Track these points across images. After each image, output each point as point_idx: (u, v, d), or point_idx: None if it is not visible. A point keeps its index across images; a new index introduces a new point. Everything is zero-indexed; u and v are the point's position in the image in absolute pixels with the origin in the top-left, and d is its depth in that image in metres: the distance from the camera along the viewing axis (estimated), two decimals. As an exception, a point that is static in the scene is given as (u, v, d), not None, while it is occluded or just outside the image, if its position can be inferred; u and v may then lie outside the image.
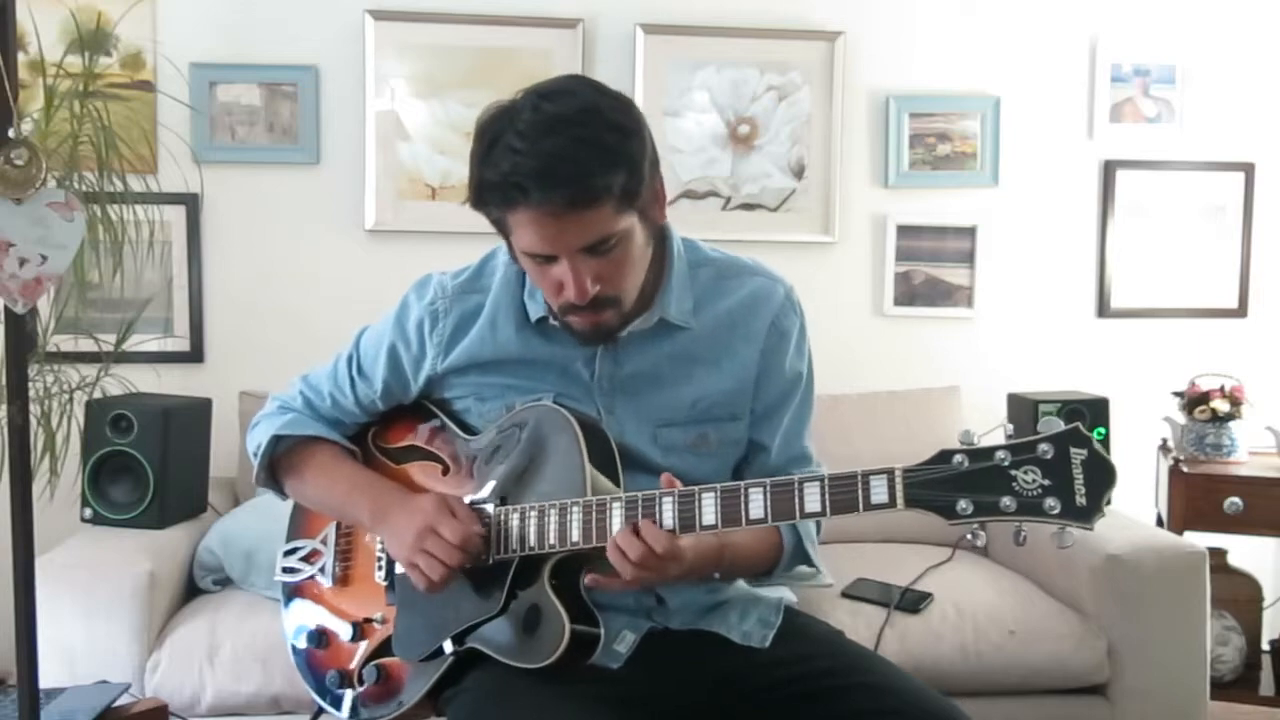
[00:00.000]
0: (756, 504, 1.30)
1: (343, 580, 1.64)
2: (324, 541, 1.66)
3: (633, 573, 1.34)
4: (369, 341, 1.63)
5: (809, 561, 1.58)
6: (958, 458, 1.21)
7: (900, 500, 1.22)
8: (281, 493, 1.68)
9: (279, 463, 1.64)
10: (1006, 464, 1.19)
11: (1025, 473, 1.18)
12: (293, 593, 1.69)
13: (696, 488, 1.33)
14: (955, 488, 1.20)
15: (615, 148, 1.33)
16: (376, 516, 1.54)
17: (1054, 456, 1.18)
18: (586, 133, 1.31)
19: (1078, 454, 1.17)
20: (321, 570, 1.65)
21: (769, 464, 1.57)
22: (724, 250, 1.61)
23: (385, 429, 1.66)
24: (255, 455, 1.64)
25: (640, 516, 1.33)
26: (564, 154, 1.30)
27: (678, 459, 1.52)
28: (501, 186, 1.33)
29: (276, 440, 1.62)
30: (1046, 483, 1.18)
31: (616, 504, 1.35)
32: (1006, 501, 1.18)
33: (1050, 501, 1.17)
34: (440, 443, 1.59)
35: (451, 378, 1.57)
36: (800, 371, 1.59)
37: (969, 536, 1.24)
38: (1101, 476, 1.17)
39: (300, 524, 1.71)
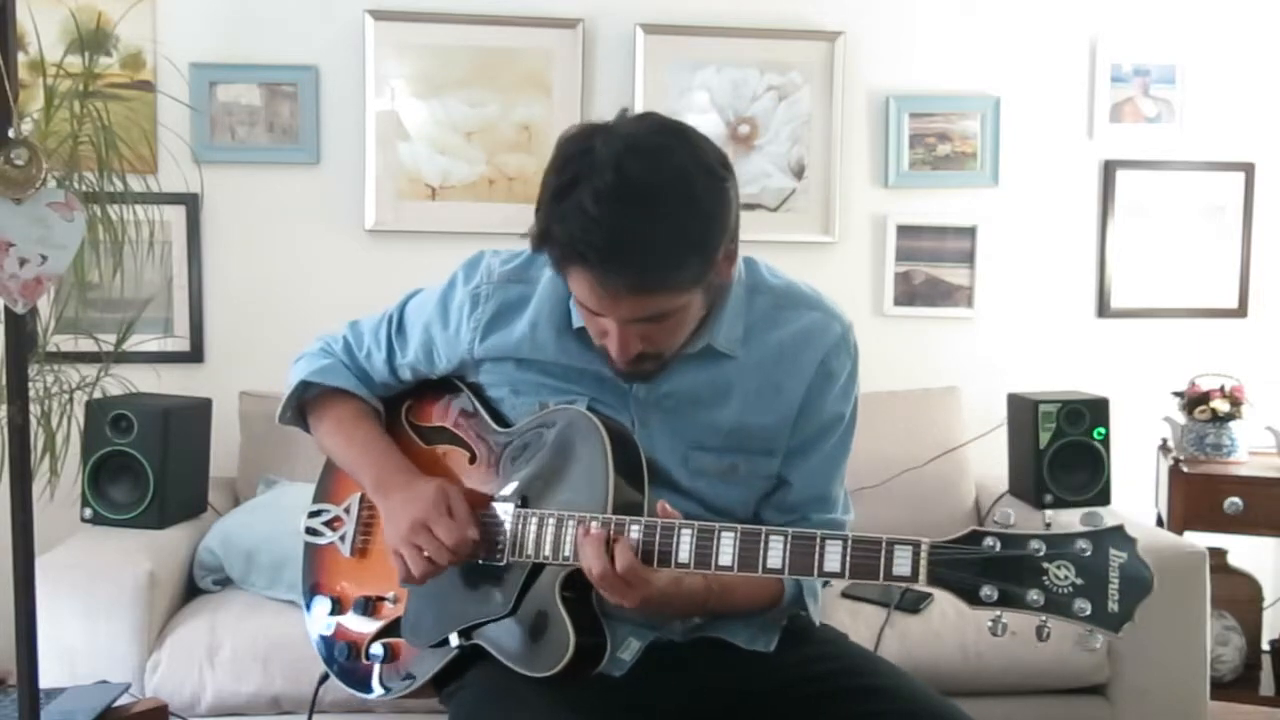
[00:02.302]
0: (775, 553, 1.25)
1: (361, 552, 1.62)
2: (347, 510, 1.65)
3: (596, 585, 1.32)
4: (414, 309, 1.61)
5: (805, 611, 1.54)
6: (989, 540, 1.16)
7: (923, 576, 1.18)
8: (307, 429, 1.68)
9: (307, 403, 1.65)
10: (1040, 555, 1.14)
11: (1059, 567, 1.13)
12: (312, 561, 1.67)
13: (717, 525, 1.29)
14: (982, 572, 1.15)
15: (691, 238, 1.25)
16: (377, 489, 1.53)
17: (1092, 555, 1.12)
18: (668, 212, 1.23)
19: (1117, 557, 1.12)
20: (342, 538, 1.64)
21: (788, 499, 1.52)
22: (786, 276, 1.55)
23: (419, 405, 1.64)
24: (287, 390, 1.65)
25: (657, 545, 1.30)
26: (633, 238, 1.22)
27: (705, 484, 1.48)
28: (564, 247, 1.26)
29: (305, 386, 1.63)
30: (1079, 582, 1.12)
31: (635, 526, 1.32)
32: (1034, 596, 1.14)
33: (1080, 603, 1.12)
34: (471, 430, 1.57)
35: (488, 364, 1.54)
36: (842, 414, 1.53)
37: (989, 624, 1.17)
38: (1138, 585, 1.11)
39: (328, 486, 1.69)
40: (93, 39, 2.73)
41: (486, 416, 1.56)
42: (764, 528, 1.27)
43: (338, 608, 1.61)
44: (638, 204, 1.22)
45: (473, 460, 1.56)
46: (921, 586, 1.19)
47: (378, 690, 1.56)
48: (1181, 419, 2.93)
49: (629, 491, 1.37)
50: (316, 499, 1.69)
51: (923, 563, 1.18)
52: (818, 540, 1.24)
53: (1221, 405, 2.85)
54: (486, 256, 1.55)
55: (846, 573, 1.22)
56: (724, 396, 1.47)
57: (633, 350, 1.34)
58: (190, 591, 2.39)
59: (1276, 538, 3.06)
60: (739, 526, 1.28)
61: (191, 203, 2.89)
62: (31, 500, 1.50)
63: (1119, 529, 1.13)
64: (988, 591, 1.15)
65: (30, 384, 1.85)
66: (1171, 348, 3.18)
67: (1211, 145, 3.21)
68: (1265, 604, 2.97)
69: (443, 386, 1.63)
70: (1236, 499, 2.75)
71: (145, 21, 2.85)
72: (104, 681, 1.99)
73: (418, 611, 1.52)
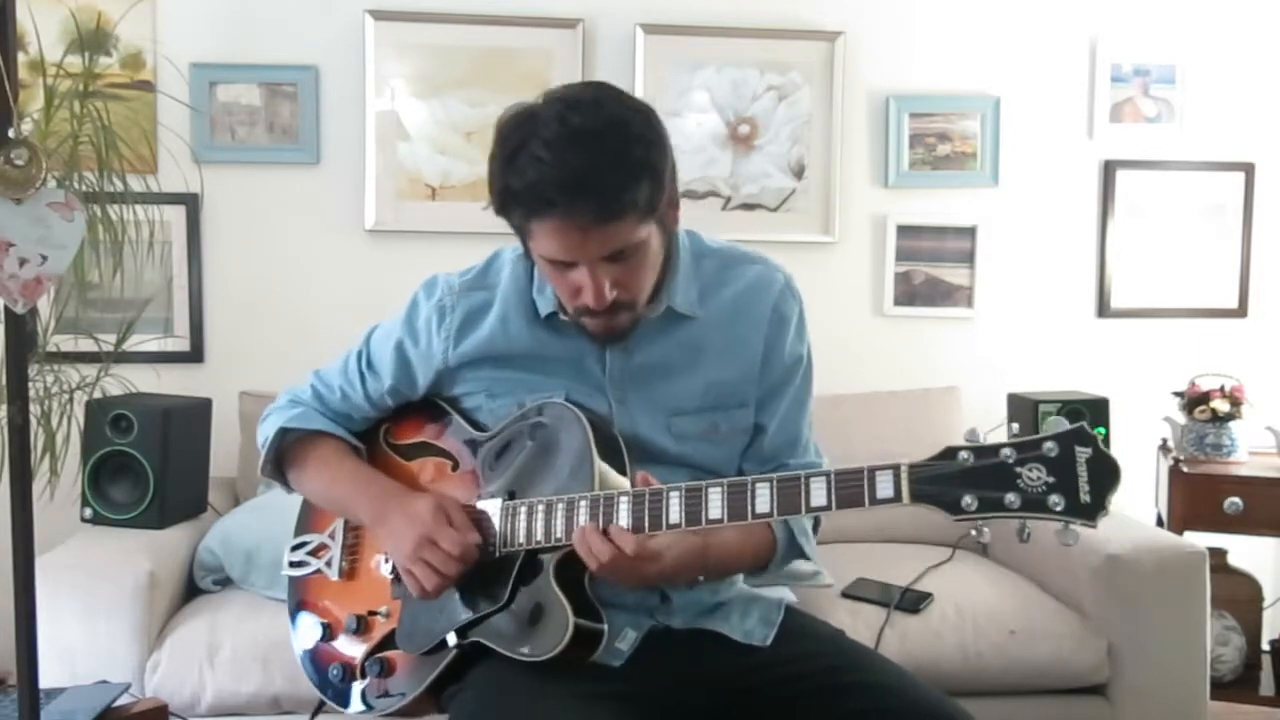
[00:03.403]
0: (763, 498, 1.31)
1: (349, 574, 1.64)
2: (331, 536, 1.67)
3: (600, 572, 1.36)
4: (379, 338, 1.65)
5: (803, 555, 1.59)
6: (963, 454, 1.22)
7: (906, 495, 1.23)
8: (286, 485, 1.69)
9: (285, 455, 1.66)
10: (1011, 461, 1.20)
11: (1030, 470, 1.19)
12: (298, 585, 1.69)
13: (704, 483, 1.34)
14: (961, 483, 1.21)
15: (640, 161, 1.34)
16: (376, 518, 1.55)
17: (1059, 454, 1.18)
18: (612, 146, 1.32)
19: (1082, 452, 1.18)
20: (328, 564, 1.65)
21: (764, 447, 1.59)
22: (724, 240, 1.63)
23: (397, 425, 1.67)
24: (263, 447, 1.66)
25: (647, 513, 1.34)
26: (591, 168, 1.31)
27: (691, 447, 1.54)
28: (527, 197, 1.34)
29: (283, 433, 1.64)
30: (1051, 480, 1.18)
31: (624, 499, 1.36)
32: (1011, 498, 1.19)
33: (1054, 498, 1.18)
34: (450, 439, 1.60)
35: (465, 371, 1.57)
36: (800, 354, 1.61)
37: (973, 533, 1.24)
38: (1106, 474, 1.18)
39: (308, 519, 1.72)
40: (93, 39, 2.73)
41: (465, 425, 1.59)
42: (748, 477, 1.33)
43: (329, 632, 1.62)
44: (585, 143, 1.31)
45: (455, 467, 1.59)
46: (905, 504, 1.23)
47: (376, 706, 1.56)
48: (1181, 419, 2.93)
49: (613, 471, 1.42)
50: (297, 533, 1.71)
51: (904, 482, 1.23)
52: (802, 480, 1.29)
53: (1221, 405, 2.85)
54: (441, 276, 1.61)
55: (833, 504, 1.28)
56: (692, 357, 1.54)
57: (607, 295, 1.39)
58: (190, 591, 2.39)
59: (1276, 538, 3.06)
60: (725, 480, 1.33)
61: (191, 203, 2.89)
62: (31, 500, 1.50)
63: (1080, 428, 1.19)
64: (968, 501, 1.21)
65: (30, 384, 1.86)
66: (1171, 348, 3.19)
67: (1211, 145, 3.21)
68: (1265, 604, 2.97)
69: (419, 404, 1.65)
70: (1236, 499, 2.75)
71: (145, 21, 2.85)
72: (104, 681, 1.99)
73: (412, 619, 1.53)
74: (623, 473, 1.44)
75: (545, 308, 1.52)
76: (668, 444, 1.53)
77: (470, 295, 1.57)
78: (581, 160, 1.31)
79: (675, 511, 1.34)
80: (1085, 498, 1.18)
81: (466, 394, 1.60)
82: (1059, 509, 1.18)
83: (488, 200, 1.42)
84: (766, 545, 1.55)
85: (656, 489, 1.36)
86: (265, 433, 1.66)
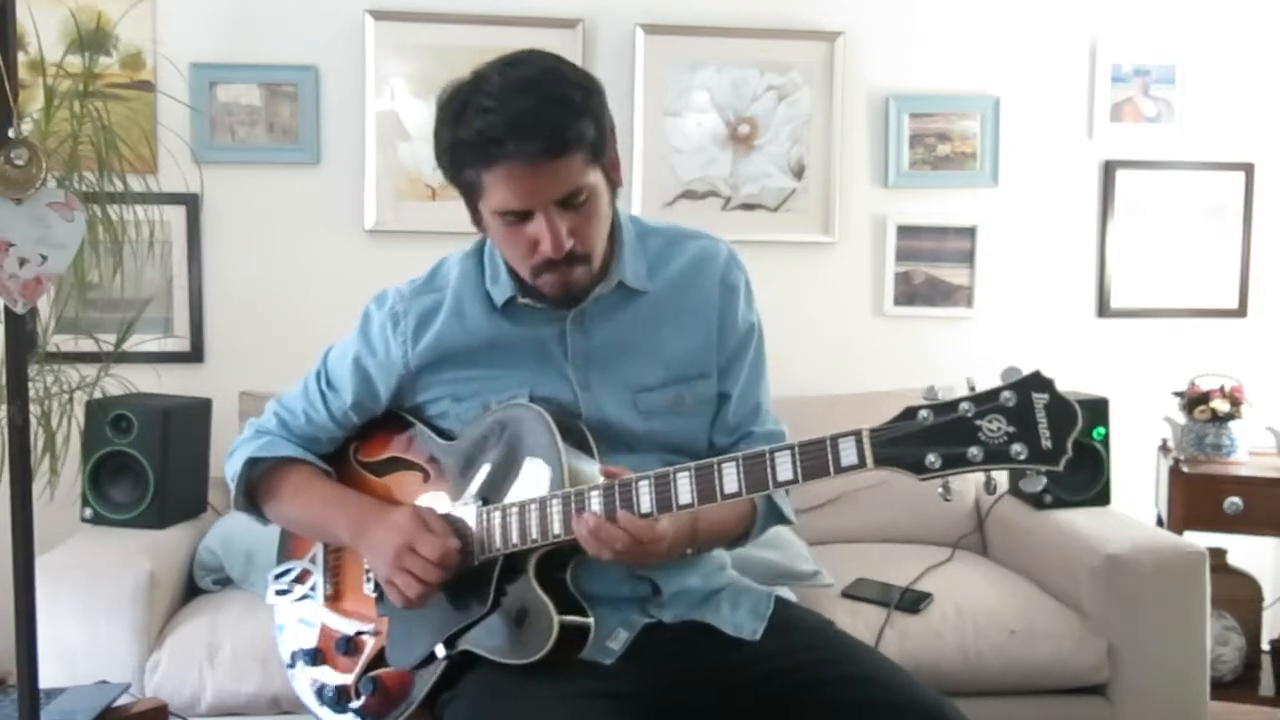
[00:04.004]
0: (730, 478, 1.32)
1: (334, 596, 1.65)
2: (313, 560, 1.67)
3: (610, 559, 1.36)
4: (335, 356, 1.65)
5: (784, 518, 1.61)
6: (923, 413, 1.22)
7: (870, 459, 1.23)
8: (262, 517, 1.68)
9: (257, 487, 1.65)
10: (971, 415, 1.20)
11: (990, 421, 1.19)
12: (285, 614, 1.69)
13: (670, 468, 1.35)
14: (922, 442, 1.21)
15: (582, 102, 1.38)
16: (355, 535, 1.55)
17: (1017, 403, 1.18)
18: (554, 90, 1.37)
19: (1039, 399, 1.18)
20: (312, 589, 1.66)
21: (728, 416, 1.60)
22: (664, 220, 1.67)
23: (365, 443, 1.67)
24: (232, 481, 1.66)
25: (619, 504, 1.35)
26: (535, 109, 1.35)
27: (659, 422, 1.55)
28: (477, 144, 1.36)
29: (252, 463, 1.63)
30: (1011, 429, 1.18)
31: (595, 493, 1.37)
32: (974, 451, 1.19)
33: (1017, 447, 1.18)
34: (419, 451, 1.60)
35: (426, 376, 1.57)
36: (752, 322, 1.62)
37: (940, 491, 1.24)
38: (1065, 418, 1.17)
39: (289, 546, 1.72)
40: (93, 39, 2.73)
41: (432, 434, 1.59)
42: (715, 459, 1.33)
43: (319, 658, 1.62)
44: (527, 89, 1.36)
45: (427, 478, 1.59)
46: (870, 469, 1.24)
47: None
48: (1181, 419, 2.93)
49: (582, 465, 1.43)
50: (280, 561, 1.71)
51: (867, 447, 1.23)
52: (767, 456, 1.30)
53: (1221, 405, 2.85)
54: (390, 288, 1.62)
55: (799, 476, 1.28)
56: (650, 332, 1.56)
57: (565, 242, 1.40)
58: (190, 591, 2.39)
59: (1276, 538, 3.06)
60: (691, 465, 1.34)
61: (191, 203, 2.89)
62: (31, 500, 1.50)
63: (1036, 373, 1.19)
64: (931, 459, 1.21)
65: (30, 384, 1.86)
66: (1171, 348, 3.18)
67: (1211, 145, 3.21)
68: (1265, 604, 2.97)
69: (384, 420, 1.65)
70: (1236, 499, 2.75)
71: (145, 21, 2.85)
72: (104, 681, 1.99)
73: (400, 634, 1.54)
74: (593, 462, 1.45)
75: (501, 296, 1.52)
76: (635, 422, 1.54)
77: (420, 299, 1.57)
78: (527, 104, 1.34)
79: (646, 500, 1.35)
80: (1047, 443, 1.17)
81: (431, 400, 1.59)
82: (1022, 457, 1.17)
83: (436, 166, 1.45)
84: (749, 511, 1.57)
85: (626, 479, 1.36)
86: (234, 467, 1.65)
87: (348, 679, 1.58)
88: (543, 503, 1.41)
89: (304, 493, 1.62)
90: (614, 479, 1.37)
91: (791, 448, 1.29)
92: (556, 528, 1.39)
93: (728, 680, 1.47)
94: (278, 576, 1.69)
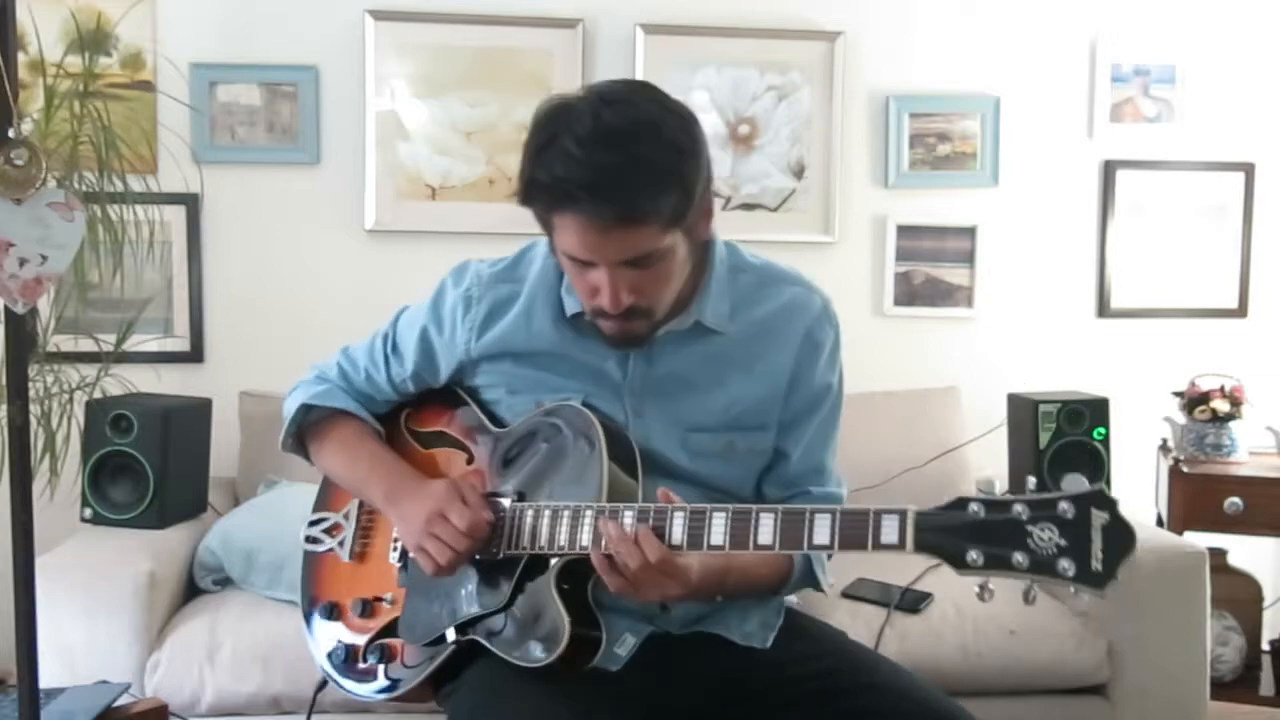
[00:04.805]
0: (766, 530, 1.28)
1: (360, 557, 1.64)
2: (346, 516, 1.67)
3: (620, 585, 1.32)
4: (406, 322, 1.64)
5: (817, 585, 1.57)
6: (974, 506, 1.17)
7: (910, 543, 1.19)
8: (307, 458, 1.69)
9: (307, 430, 1.66)
10: (1024, 518, 1.15)
11: (1042, 529, 1.14)
12: (311, 562, 1.69)
13: (708, 506, 1.32)
14: (968, 537, 1.17)
15: (669, 169, 1.32)
16: (390, 499, 1.55)
17: (1074, 517, 1.13)
18: (643, 151, 1.30)
19: (1099, 517, 1.12)
20: (341, 544, 1.66)
21: (789, 472, 1.56)
22: (765, 257, 1.60)
23: (418, 412, 1.67)
24: (287, 418, 1.66)
25: (650, 528, 1.32)
26: (620, 168, 1.29)
27: (704, 465, 1.51)
28: (551, 190, 1.32)
29: (307, 409, 1.64)
30: (1063, 543, 1.13)
31: (629, 512, 1.34)
32: (1019, 558, 1.14)
33: (1064, 563, 1.12)
34: (468, 432, 1.60)
35: (485, 364, 1.57)
36: (830, 383, 1.57)
37: (976, 590, 1.19)
38: (1122, 542, 1.12)
39: (327, 496, 1.72)
40: (93, 39, 2.73)
41: (483, 418, 1.58)
42: (754, 506, 1.30)
43: (336, 613, 1.63)
44: (617, 143, 1.29)
45: (470, 461, 1.58)
46: (909, 552, 1.20)
47: (377, 688, 1.56)
48: (1181, 419, 2.92)
49: (624, 481, 1.40)
50: (316, 508, 1.71)
51: (909, 529, 1.20)
52: (806, 515, 1.27)
53: (1221, 405, 2.85)
54: (473, 263, 1.59)
55: (836, 544, 1.25)
56: (716, 373, 1.51)
57: (624, 300, 1.37)
58: (190, 591, 2.39)
59: (1276, 538, 3.06)
60: (730, 506, 1.31)
61: (191, 203, 2.89)
62: (31, 500, 1.50)
63: (1099, 490, 1.14)
64: (974, 555, 1.16)
65: (30, 384, 1.85)
66: (1171, 348, 3.18)
67: (1211, 145, 3.21)
68: (1265, 604, 2.96)
69: (441, 392, 1.65)
70: (1236, 499, 2.75)
71: (145, 21, 2.85)
72: (104, 681, 1.99)
73: (415, 609, 1.53)
74: (633, 478, 1.42)
75: (572, 307, 1.50)
76: (681, 460, 1.50)
77: (498, 287, 1.55)
78: (610, 161, 1.29)
79: (679, 531, 1.31)
80: (1096, 565, 1.11)
81: (486, 386, 1.58)
82: (1069, 574, 1.12)
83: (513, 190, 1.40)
84: (784, 572, 1.52)
85: (662, 506, 1.33)
86: (291, 406, 1.66)
87: (359, 640, 1.59)
88: (576, 512, 1.38)
89: (350, 448, 1.63)
90: (650, 503, 1.34)
91: (833, 512, 1.26)
92: (585, 539, 1.36)
93: (736, 687, 1.46)
94: (312, 524, 1.70)
